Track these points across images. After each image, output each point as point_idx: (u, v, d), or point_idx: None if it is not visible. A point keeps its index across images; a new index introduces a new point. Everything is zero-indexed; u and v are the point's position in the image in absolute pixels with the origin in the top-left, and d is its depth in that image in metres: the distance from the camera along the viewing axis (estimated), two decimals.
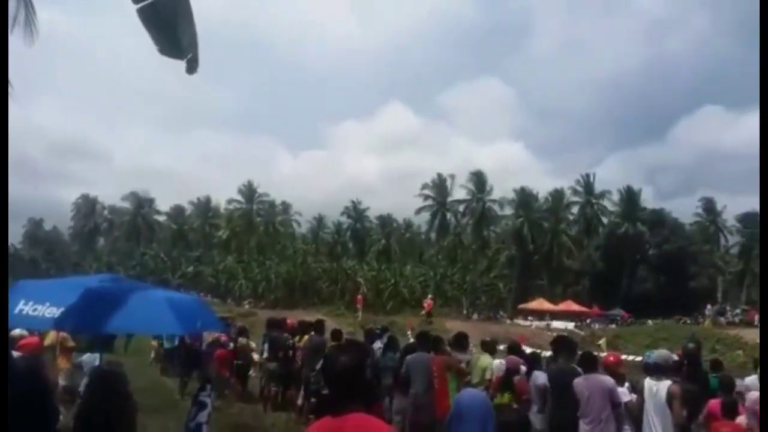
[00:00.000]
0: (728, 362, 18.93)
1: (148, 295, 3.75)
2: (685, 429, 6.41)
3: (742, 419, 6.02)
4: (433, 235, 78.52)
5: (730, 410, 6.18)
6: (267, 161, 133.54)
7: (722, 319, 41.40)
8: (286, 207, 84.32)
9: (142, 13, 4.58)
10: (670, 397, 6.18)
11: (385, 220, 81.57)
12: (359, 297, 42.61)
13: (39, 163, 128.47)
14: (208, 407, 3.77)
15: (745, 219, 72.31)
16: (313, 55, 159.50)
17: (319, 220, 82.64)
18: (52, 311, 3.35)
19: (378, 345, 10.37)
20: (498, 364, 8.40)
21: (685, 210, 76.27)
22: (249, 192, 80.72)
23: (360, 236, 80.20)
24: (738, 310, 45.40)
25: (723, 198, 77.28)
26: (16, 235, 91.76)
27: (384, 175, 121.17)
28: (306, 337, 11.12)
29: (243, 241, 77.39)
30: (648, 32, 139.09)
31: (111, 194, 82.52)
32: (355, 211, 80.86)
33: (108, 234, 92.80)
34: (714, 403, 6.55)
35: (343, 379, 2.65)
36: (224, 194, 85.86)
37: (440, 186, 75.64)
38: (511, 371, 7.58)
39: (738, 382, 7.69)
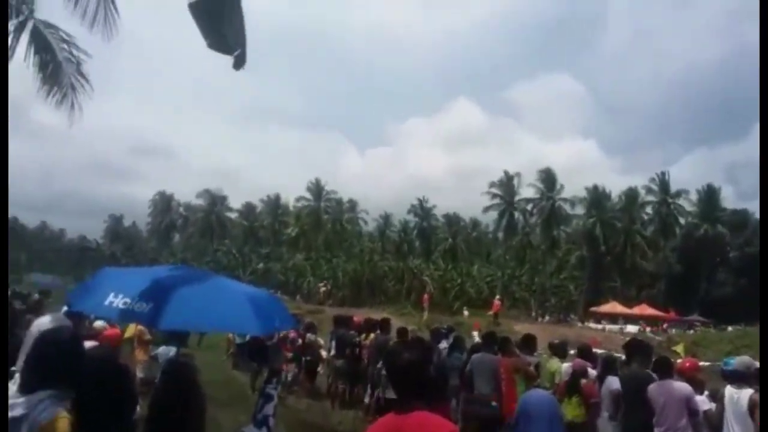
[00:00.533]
0: None
1: (230, 292, 3.83)
2: None
3: None
4: (500, 235, 77.50)
5: None
6: (335, 159, 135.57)
7: None
8: (353, 205, 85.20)
9: (192, 8, 4.72)
10: (752, 405, 5.91)
11: (452, 219, 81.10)
12: (425, 296, 42.52)
13: (118, 161, 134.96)
14: (275, 399, 3.87)
15: None
16: (381, 53, 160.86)
17: (386, 218, 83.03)
18: (141, 306, 3.46)
19: (444, 345, 10.34)
20: (566, 367, 8.23)
21: None
22: (317, 190, 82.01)
23: (426, 235, 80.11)
24: None
25: None
26: (97, 230, 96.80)
27: (451, 173, 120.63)
28: (372, 335, 11.21)
29: (311, 239, 78.62)
30: (725, 23, 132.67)
31: (186, 192, 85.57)
32: (422, 210, 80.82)
33: (183, 230, 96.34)
34: None
35: (405, 375, 2.66)
36: (293, 192, 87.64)
37: (508, 184, 74.54)
38: (577, 374, 7.41)
39: None
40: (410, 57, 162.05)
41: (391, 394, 8.91)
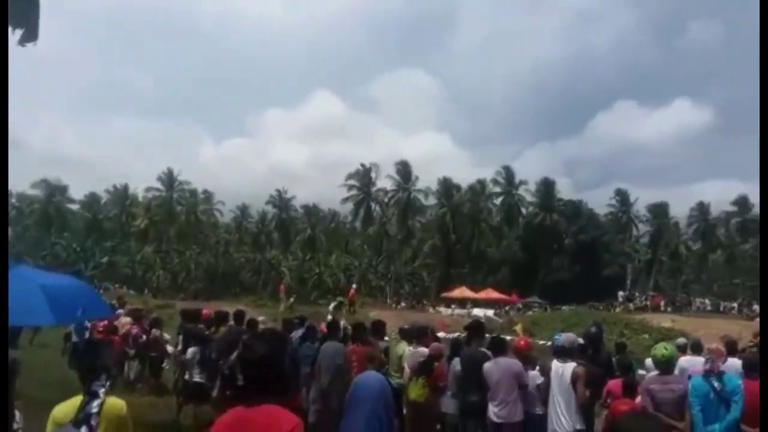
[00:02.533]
0: (635, 345, 20.00)
1: (22, 282, 3.50)
2: (588, 408, 6.70)
3: (639, 399, 6.34)
4: (358, 225, 78.74)
5: (629, 389, 6.50)
6: (189, 149, 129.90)
7: (631, 305, 43.59)
8: (208, 196, 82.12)
9: None
10: (574, 378, 6.45)
11: (311, 210, 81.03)
12: (282, 286, 42.16)
13: None
14: (100, 397, 3.61)
15: (653, 210, 76.54)
16: (238, 42, 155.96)
17: (243, 210, 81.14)
18: None
19: (297, 335, 10.29)
20: (410, 351, 8.49)
21: (600, 201, 79.79)
22: (169, 180, 78.09)
23: (285, 226, 79.42)
24: (644, 296, 47.86)
25: (635, 190, 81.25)
26: None
27: (310, 165, 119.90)
28: (222, 328, 10.91)
29: (162, 231, 74.94)
30: (569, 27, 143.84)
31: (20, 182, 77.58)
32: (281, 201, 79.94)
33: (17, 223, 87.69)
34: (613, 383, 6.87)
35: (258, 369, 2.60)
36: (143, 182, 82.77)
37: (365, 176, 75.75)
38: (433, 357, 7.69)
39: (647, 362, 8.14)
40: (270, 47, 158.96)
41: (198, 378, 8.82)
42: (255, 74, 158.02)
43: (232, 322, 11.02)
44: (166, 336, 12.63)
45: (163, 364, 12.32)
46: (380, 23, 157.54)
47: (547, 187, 73.39)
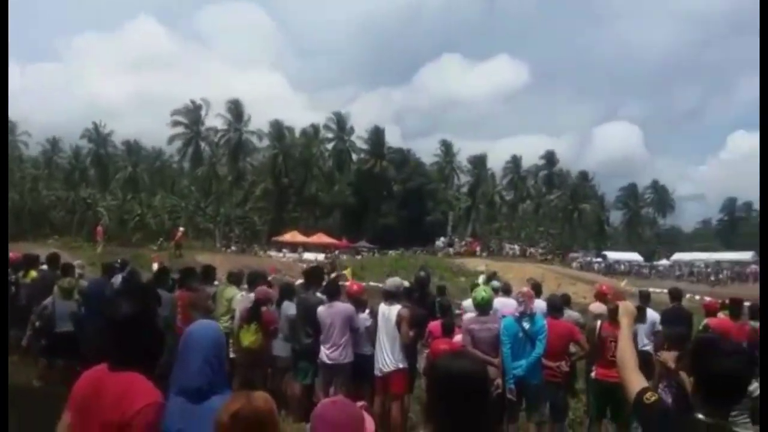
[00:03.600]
0: (454, 287, 21.50)
1: None
2: (411, 347, 7.13)
3: (459, 338, 6.88)
4: (186, 165, 75.12)
5: (449, 329, 7.02)
6: None
7: (450, 250, 46.65)
8: (11, 126, 73.30)
9: None
10: (399, 319, 6.81)
11: (132, 147, 75.52)
12: (99, 228, 39.18)
13: None
14: None
15: (474, 161, 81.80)
16: None
17: (54, 143, 73.55)
18: None
19: (118, 280, 9.72)
20: (241, 296, 8.41)
21: (425, 150, 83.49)
22: None
23: (103, 163, 73.47)
24: (463, 242, 51.40)
25: (458, 141, 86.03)
26: None
27: (132, 98, 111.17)
28: (33, 272, 10.00)
29: None
30: None
31: None
32: (98, 135, 73.56)
33: None
34: (434, 324, 7.36)
35: (124, 331, 2.39)
36: None
37: (194, 113, 71.94)
38: (260, 302, 7.65)
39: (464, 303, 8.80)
40: None
41: (64, 327, 8.12)
42: None
43: (44, 266, 10.14)
44: None
45: None
46: None
47: (377, 134, 75.12)
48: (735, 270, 46.01)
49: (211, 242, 52.99)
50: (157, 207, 58.69)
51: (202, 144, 73.49)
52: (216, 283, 9.59)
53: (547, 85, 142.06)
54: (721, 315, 8.63)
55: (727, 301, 9.23)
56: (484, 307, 6.60)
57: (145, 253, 32.37)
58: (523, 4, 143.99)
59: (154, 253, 32.72)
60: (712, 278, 43.42)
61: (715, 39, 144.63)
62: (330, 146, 76.66)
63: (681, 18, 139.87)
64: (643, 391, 2.29)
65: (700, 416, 2.15)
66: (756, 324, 8.12)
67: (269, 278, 11.56)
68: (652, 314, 7.87)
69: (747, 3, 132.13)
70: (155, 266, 24.73)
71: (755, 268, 41.23)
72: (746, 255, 53.94)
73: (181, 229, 40.93)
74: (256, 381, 7.04)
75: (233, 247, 50.99)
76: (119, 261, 11.45)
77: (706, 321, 8.41)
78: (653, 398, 2.25)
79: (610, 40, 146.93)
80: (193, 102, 71.74)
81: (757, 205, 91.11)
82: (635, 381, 2.36)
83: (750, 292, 30.09)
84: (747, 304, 9.03)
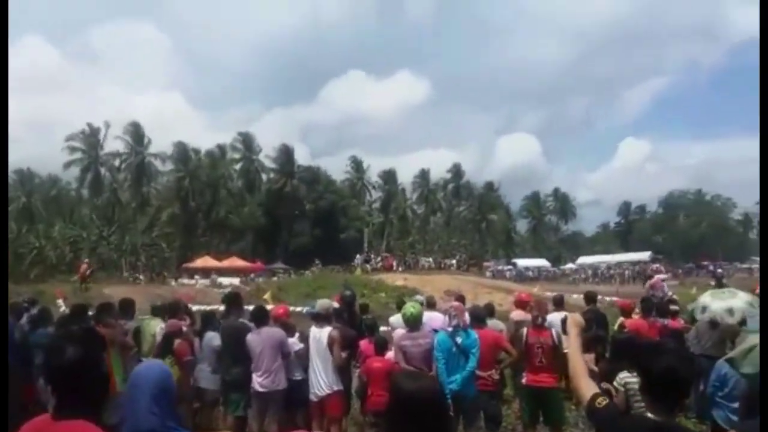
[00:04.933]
0: (374, 304, 21.57)
1: None
2: (344, 369, 7.09)
3: (390, 355, 6.91)
4: (85, 192, 71.42)
5: (381, 347, 7.04)
6: None
7: (368, 266, 46.79)
8: None
9: None
10: (330, 341, 6.76)
11: (25, 175, 70.94)
12: None
13: None
14: None
15: (384, 176, 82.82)
16: None
17: None
18: None
19: (25, 320, 9.08)
20: (160, 329, 8.06)
21: (335, 168, 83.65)
22: None
23: None
24: (379, 258, 51.72)
25: (366, 157, 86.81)
26: None
27: (19, 123, 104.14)
28: None
29: None
30: None
31: None
32: None
33: None
34: (364, 343, 7.37)
35: (68, 376, 2.22)
36: None
37: (91, 137, 68.57)
38: (170, 335, 7.36)
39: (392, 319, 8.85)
40: None
41: None
42: None
43: None
44: None
45: None
46: None
47: (286, 153, 74.64)
48: (636, 270, 48.80)
49: (117, 273, 50.61)
50: (56, 238, 55.45)
51: (102, 169, 70.19)
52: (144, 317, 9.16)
53: (448, 99, 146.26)
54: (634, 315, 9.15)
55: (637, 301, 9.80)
56: (414, 323, 6.65)
57: (47, 289, 30.46)
58: (421, 20, 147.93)
59: (57, 287, 30.88)
60: (617, 279, 45.79)
61: (600, 51, 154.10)
62: (238, 167, 75.33)
63: (568, 32, 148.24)
64: (595, 396, 2.40)
65: (650, 416, 2.27)
66: (665, 321, 8.69)
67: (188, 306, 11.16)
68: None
69: (623, 17, 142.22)
70: (60, 302, 23.41)
71: (654, 266, 43.97)
72: (644, 255, 57.43)
73: (86, 260, 38.85)
74: (181, 417, 6.76)
75: (141, 277, 48.93)
76: (26, 299, 10.68)
77: (621, 320, 8.92)
78: (604, 402, 2.36)
79: (505, 54, 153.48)
80: (89, 125, 68.51)
81: (649, 207, 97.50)
82: (586, 387, 2.47)
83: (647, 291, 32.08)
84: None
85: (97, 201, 67.62)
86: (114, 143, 68.95)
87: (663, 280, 19.06)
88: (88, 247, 54.57)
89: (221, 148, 73.78)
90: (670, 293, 15.75)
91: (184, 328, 8.16)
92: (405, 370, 5.81)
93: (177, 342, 7.33)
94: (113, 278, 43.84)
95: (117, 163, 69.97)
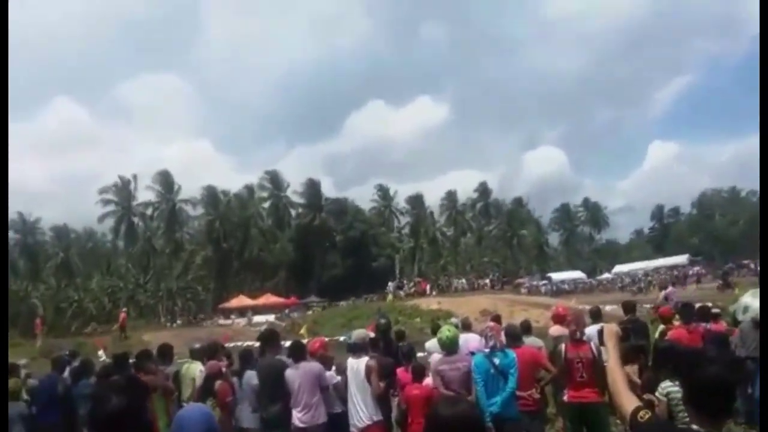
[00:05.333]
0: (410, 330, 21.47)
1: None
2: (383, 398, 7.05)
3: (428, 381, 6.86)
4: (120, 243, 73.00)
5: (419, 374, 6.99)
6: None
7: (401, 293, 46.63)
8: None
9: None
10: (368, 371, 6.74)
11: (62, 231, 72.93)
12: (37, 320, 37.29)
13: None
14: None
15: (411, 201, 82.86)
16: None
17: None
18: None
19: (67, 373, 9.26)
20: (200, 371, 8.14)
21: (362, 197, 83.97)
22: None
23: (32, 252, 70.48)
24: (412, 283, 51.52)
25: (392, 184, 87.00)
26: None
27: (55, 181, 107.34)
28: None
29: None
30: (315, 32, 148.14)
31: None
32: (23, 224, 70.73)
33: None
34: (401, 371, 7.32)
35: (112, 427, 2.26)
36: None
37: (123, 189, 70.46)
38: (211, 377, 7.44)
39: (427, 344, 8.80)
40: None
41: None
42: None
43: None
44: None
45: None
46: (121, 26, 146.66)
47: (312, 187, 75.32)
48: (674, 274, 47.77)
49: (155, 319, 51.27)
50: (94, 290, 56.51)
51: (135, 219, 71.82)
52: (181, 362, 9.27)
53: (469, 120, 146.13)
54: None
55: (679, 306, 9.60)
56: (450, 346, 6.61)
57: (87, 340, 31.01)
58: (435, 44, 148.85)
59: (97, 338, 31.41)
60: (655, 285, 44.76)
61: (619, 55, 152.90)
62: (266, 205, 76.25)
63: (585, 39, 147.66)
64: (637, 410, 2.33)
65: (695, 427, 2.21)
66: (707, 325, 8.47)
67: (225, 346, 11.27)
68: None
69: (640, 19, 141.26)
70: (101, 352, 23.79)
71: (694, 269, 43.03)
72: (681, 258, 56.22)
73: (124, 309, 39.50)
74: None
75: (179, 321, 49.47)
76: (68, 352, 10.90)
77: (662, 327, 8.73)
78: (647, 416, 2.30)
79: (523, 67, 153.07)
80: (121, 178, 70.40)
81: (683, 209, 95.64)
82: (628, 401, 2.41)
83: (688, 294, 31.38)
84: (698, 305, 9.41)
85: (132, 250, 68.99)
86: (145, 193, 70.77)
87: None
88: (125, 296, 55.46)
89: (249, 188, 74.92)
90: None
91: (224, 369, 8.24)
92: (444, 396, 5.76)
93: (218, 383, 7.40)
94: (152, 324, 44.42)
95: (149, 211, 71.52)
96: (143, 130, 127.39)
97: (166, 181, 70.07)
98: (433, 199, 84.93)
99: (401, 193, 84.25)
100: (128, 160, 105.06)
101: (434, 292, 45.75)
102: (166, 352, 8.59)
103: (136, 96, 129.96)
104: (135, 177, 70.18)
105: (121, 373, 7.15)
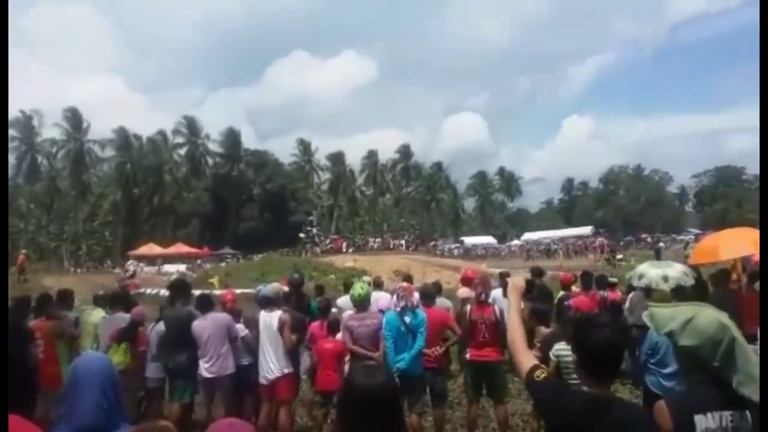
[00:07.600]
0: (325, 286, 21.57)
1: None
2: (293, 352, 7.12)
3: (340, 336, 6.96)
4: (20, 181, 68.74)
5: (333, 329, 7.08)
6: None
7: (317, 249, 46.65)
8: None
9: None
10: (281, 325, 6.77)
11: None
12: None
13: None
14: None
15: (332, 158, 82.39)
16: None
17: None
18: None
19: None
20: (103, 318, 7.90)
21: (283, 150, 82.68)
22: None
23: None
24: (328, 240, 51.61)
25: (315, 139, 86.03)
26: None
27: None
28: None
29: None
30: None
31: None
32: None
33: None
34: (315, 325, 7.39)
35: None
36: None
37: (26, 124, 66.01)
38: (136, 322, 7.26)
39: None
40: None
41: None
42: None
43: None
44: None
45: None
46: None
47: (232, 137, 73.43)
48: (578, 244, 50.20)
49: (57, 263, 49.00)
50: None
51: (39, 157, 67.63)
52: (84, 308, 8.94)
53: (395, 79, 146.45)
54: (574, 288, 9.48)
55: (578, 274, 10.14)
56: (361, 303, 6.74)
57: None
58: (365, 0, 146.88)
59: None
60: (560, 253, 46.97)
61: (544, 29, 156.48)
62: (182, 151, 73.70)
63: (513, 10, 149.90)
64: (534, 368, 2.44)
65: (585, 389, 2.35)
66: (605, 293, 9.05)
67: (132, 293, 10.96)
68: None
69: None
70: None
71: (597, 240, 45.50)
72: (586, 230, 59.10)
73: (23, 252, 37.40)
74: (126, 406, 6.65)
75: (84, 266, 47.53)
76: None
77: (561, 293, 9.23)
78: (542, 375, 2.41)
79: (450, 33, 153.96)
80: (23, 112, 65.82)
81: (592, 183, 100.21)
82: (525, 360, 2.52)
83: (590, 263, 33.29)
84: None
85: (34, 190, 65.14)
86: (51, 130, 66.74)
87: None
88: (26, 237, 52.64)
89: (163, 133, 72.02)
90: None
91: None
92: (360, 365, 5.86)
93: (140, 330, 7.25)
94: (53, 269, 42.45)
95: (54, 149, 67.51)
96: (49, 61, 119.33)
97: (74, 118, 66.25)
98: (354, 157, 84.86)
99: (323, 148, 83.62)
100: (32, 93, 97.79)
101: (350, 250, 46.06)
102: (65, 297, 8.28)
103: (43, 24, 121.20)
104: (39, 112, 65.88)
105: (21, 318, 6.84)
